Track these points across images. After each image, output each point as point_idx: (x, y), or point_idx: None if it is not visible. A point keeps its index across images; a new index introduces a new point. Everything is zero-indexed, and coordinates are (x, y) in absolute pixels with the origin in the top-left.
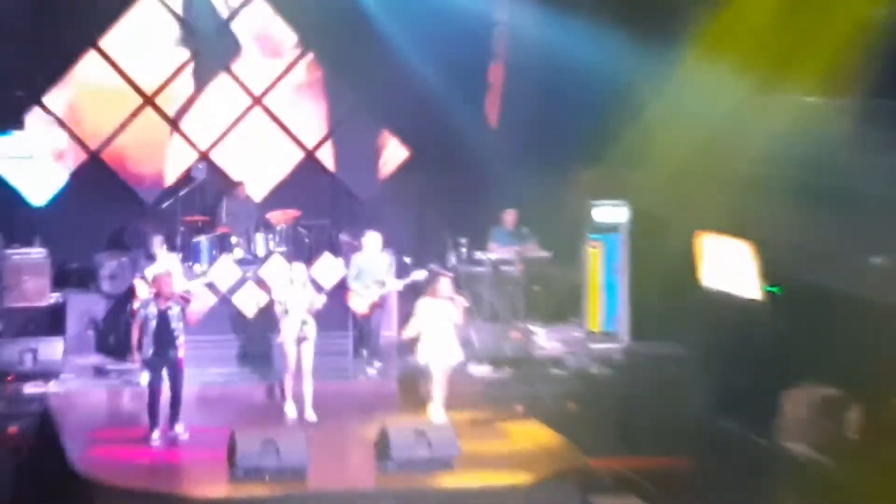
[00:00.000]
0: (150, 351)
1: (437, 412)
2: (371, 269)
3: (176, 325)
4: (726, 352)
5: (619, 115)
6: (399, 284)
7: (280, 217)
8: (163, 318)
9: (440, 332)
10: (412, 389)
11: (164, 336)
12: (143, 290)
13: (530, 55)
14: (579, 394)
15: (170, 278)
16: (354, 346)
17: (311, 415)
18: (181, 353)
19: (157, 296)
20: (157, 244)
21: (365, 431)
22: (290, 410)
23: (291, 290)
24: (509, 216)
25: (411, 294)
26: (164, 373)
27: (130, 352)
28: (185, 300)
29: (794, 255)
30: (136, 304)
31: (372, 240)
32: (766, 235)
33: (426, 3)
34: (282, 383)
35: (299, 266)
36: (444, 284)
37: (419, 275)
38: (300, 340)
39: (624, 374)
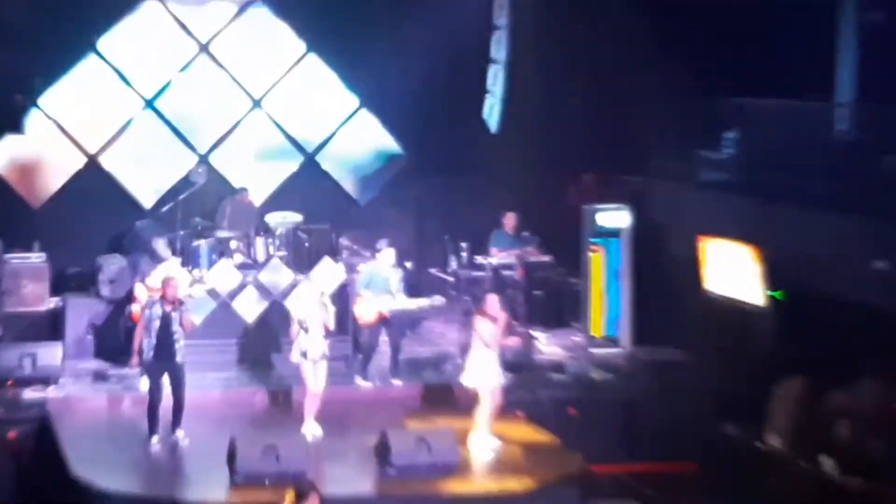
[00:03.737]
0: (152, 353)
1: (485, 438)
2: (381, 279)
3: (176, 328)
4: (728, 357)
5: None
6: (413, 304)
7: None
8: (166, 320)
9: (488, 353)
10: (416, 397)
11: (165, 338)
12: (143, 294)
13: (530, 58)
14: (580, 399)
15: (176, 282)
16: (356, 353)
17: (316, 429)
18: (182, 357)
19: (163, 298)
20: (162, 246)
21: (365, 437)
22: (308, 430)
23: (311, 308)
24: (510, 220)
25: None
26: (166, 377)
27: (131, 354)
28: (181, 304)
29: (797, 259)
30: (139, 306)
31: (388, 254)
32: (768, 240)
33: (428, 6)
34: (301, 404)
35: (318, 285)
36: (492, 303)
37: (437, 301)
38: (319, 359)
39: (625, 379)
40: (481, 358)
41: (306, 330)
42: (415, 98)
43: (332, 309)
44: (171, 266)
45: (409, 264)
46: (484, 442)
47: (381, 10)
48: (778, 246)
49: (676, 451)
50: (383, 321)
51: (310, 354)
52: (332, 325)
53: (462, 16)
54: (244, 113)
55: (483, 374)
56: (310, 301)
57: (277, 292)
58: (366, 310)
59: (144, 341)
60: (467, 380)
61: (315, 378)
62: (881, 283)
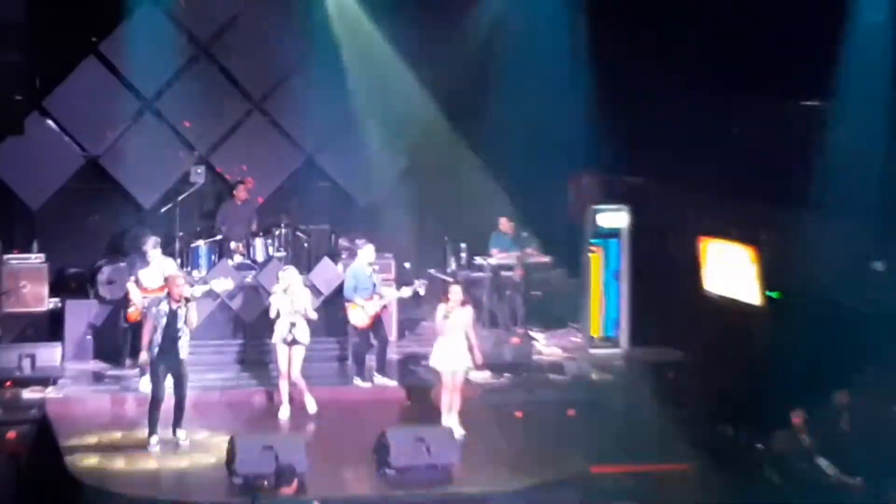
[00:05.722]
0: (157, 351)
1: (448, 419)
2: (366, 279)
3: (181, 325)
4: (726, 358)
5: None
6: (404, 293)
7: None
8: (172, 317)
9: (453, 338)
10: (415, 397)
11: (171, 336)
12: (136, 295)
13: (530, 57)
14: (579, 399)
15: (181, 279)
16: (352, 354)
17: (311, 406)
18: (186, 355)
19: (169, 296)
20: (150, 245)
21: (364, 438)
22: (284, 414)
23: (294, 293)
24: (504, 224)
25: (411, 302)
26: (169, 377)
27: (133, 354)
28: (187, 301)
29: (796, 260)
30: (134, 307)
31: (368, 251)
32: (767, 240)
33: (424, 8)
34: (278, 385)
35: (290, 269)
36: (454, 291)
37: (420, 286)
38: (290, 343)
39: (624, 379)
40: (441, 343)
41: (278, 314)
42: (414, 99)
43: (312, 313)
44: (163, 265)
45: (408, 264)
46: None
47: (380, 10)
48: (777, 246)
49: (675, 451)
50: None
51: (277, 336)
52: (312, 314)
53: (462, 15)
54: (244, 113)
55: (442, 357)
56: (292, 286)
57: None
58: (360, 315)
59: (150, 338)
60: (432, 362)
61: (288, 362)
62: (879, 284)
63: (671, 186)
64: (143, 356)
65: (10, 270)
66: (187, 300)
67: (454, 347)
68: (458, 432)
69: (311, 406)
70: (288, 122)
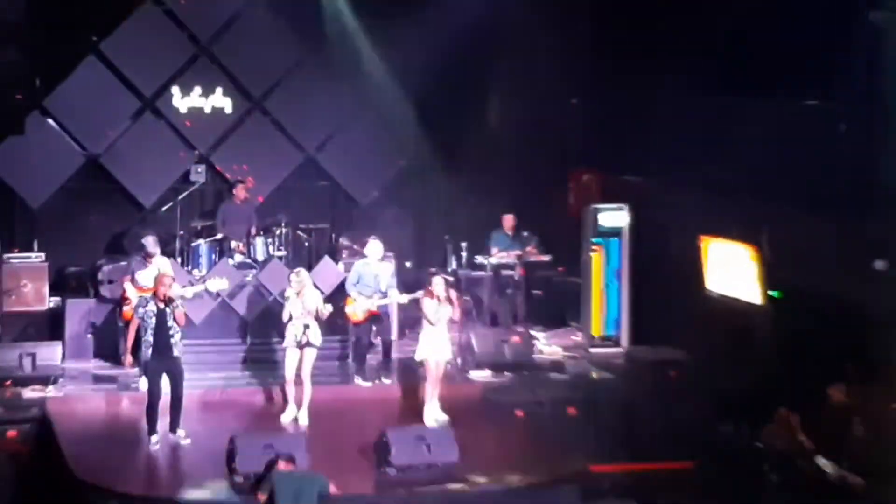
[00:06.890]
0: (150, 351)
1: (433, 411)
2: (370, 276)
3: (172, 324)
4: (727, 357)
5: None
6: (403, 299)
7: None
8: (161, 317)
9: (435, 330)
10: (415, 396)
11: (162, 335)
12: (133, 294)
13: (531, 56)
14: (579, 398)
15: (168, 279)
16: (352, 353)
17: (303, 418)
18: (179, 352)
19: (156, 296)
20: (152, 243)
21: (365, 436)
22: (287, 417)
23: (295, 296)
24: (507, 221)
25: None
26: (164, 376)
27: (125, 352)
28: (171, 301)
29: (797, 259)
30: (130, 306)
31: (374, 247)
32: (768, 240)
33: (428, 3)
34: (283, 388)
35: (301, 272)
36: (437, 284)
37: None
38: (302, 345)
39: (625, 378)
40: (429, 335)
41: (291, 316)
42: (415, 97)
43: (325, 311)
44: (160, 264)
45: (409, 264)
46: (433, 414)
47: (379, 8)
48: (778, 246)
49: (676, 450)
50: (374, 318)
51: (290, 339)
52: (325, 311)
53: (463, 14)
54: (244, 112)
55: (431, 349)
56: (304, 288)
57: (277, 292)
58: (354, 309)
59: (143, 340)
60: (418, 355)
61: (296, 366)
62: (880, 283)
63: (672, 186)
64: (129, 357)
65: (11, 269)
66: (172, 300)
67: (441, 338)
68: (441, 417)
69: (304, 419)
70: (288, 121)
